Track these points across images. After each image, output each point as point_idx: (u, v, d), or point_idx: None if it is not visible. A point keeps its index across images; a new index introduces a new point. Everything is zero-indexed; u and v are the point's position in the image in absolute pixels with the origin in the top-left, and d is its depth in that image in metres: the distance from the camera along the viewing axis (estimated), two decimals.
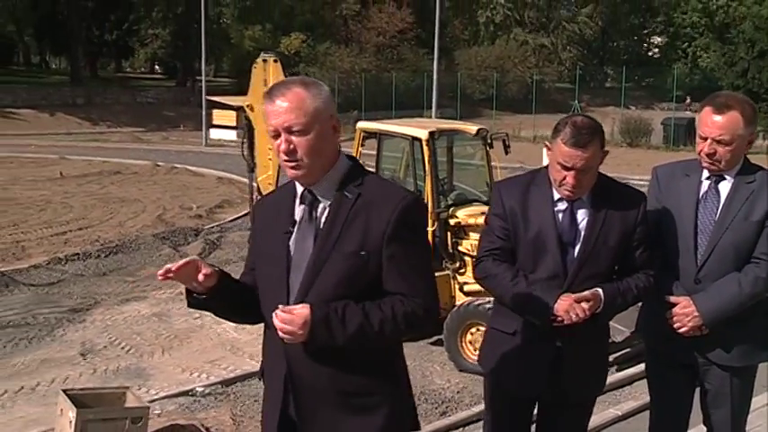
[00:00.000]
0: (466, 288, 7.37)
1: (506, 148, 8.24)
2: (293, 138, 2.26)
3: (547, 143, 2.96)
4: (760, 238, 3.05)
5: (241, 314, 2.55)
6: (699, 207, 3.11)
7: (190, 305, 2.42)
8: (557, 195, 2.94)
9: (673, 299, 3.11)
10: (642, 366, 6.15)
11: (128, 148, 27.98)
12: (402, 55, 48.32)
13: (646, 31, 66.17)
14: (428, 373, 6.71)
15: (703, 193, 3.12)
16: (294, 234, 2.36)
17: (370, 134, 8.24)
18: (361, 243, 2.27)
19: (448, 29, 50.32)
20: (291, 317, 2.21)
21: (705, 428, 3.33)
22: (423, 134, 7.62)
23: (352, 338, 2.24)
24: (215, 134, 31.69)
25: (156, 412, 5.56)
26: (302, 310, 2.22)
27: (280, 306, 2.25)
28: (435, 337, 7.30)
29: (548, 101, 43.79)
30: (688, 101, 44.61)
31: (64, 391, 4.99)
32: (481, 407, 5.76)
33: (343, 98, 36.58)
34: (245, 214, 14.44)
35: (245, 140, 12.52)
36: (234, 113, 30.55)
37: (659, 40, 66.11)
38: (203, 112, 31.66)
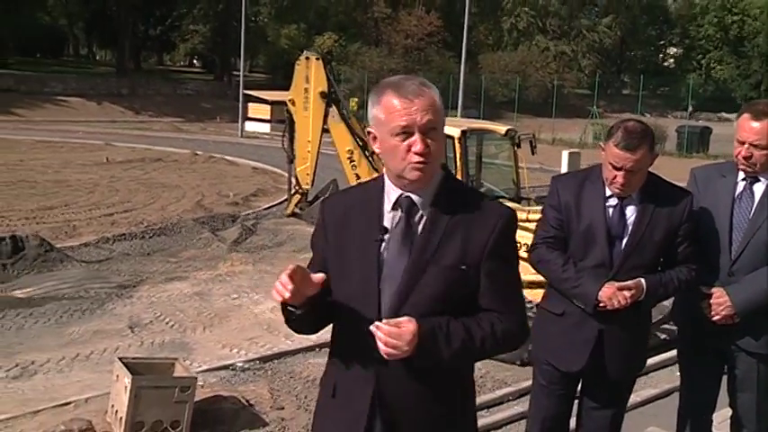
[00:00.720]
0: None
1: (533, 149, 8.28)
2: (428, 138, 2.03)
3: (601, 144, 3.06)
4: None
5: (319, 325, 2.23)
6: (734, 206, 3.18)
7: (289, 321, 2.14)
8: (608, 192, 3.03)
9: (707, 290, 3.17)
10: (658, 358, 6.27)
11: (168, 137, 28.03)
12: (429, 57, 48.25)
13: (662, 42, 65.59)
14: None
15: (739, 193, 3.19)
16: (385, 242, 2.09)
17: None
18: (462, 257, 2.06)
19: (473, 33, 50.05)
20: (399, 331, 1.95)
21: (731, 411, 3.38)
22: (455, 132, 7.65)
23: (456, 355, 2.03)
24: (250, 126, 31.78)
25: (200, 383, 5.64)
26: (410, 325, 1.96)
27: (383, 320, 2.00)
28: None
29: (567, 106, 43.54)
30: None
31: (120, 358, 5.10)
32: (503, 391, 5.85)
33: None
34: (281, 202, 14.52)
35: (285, 133, 12.59)
36: (268, 107, 30.72)
37: (675, 50, 65.47)
38: (240, 106, 31.76)
